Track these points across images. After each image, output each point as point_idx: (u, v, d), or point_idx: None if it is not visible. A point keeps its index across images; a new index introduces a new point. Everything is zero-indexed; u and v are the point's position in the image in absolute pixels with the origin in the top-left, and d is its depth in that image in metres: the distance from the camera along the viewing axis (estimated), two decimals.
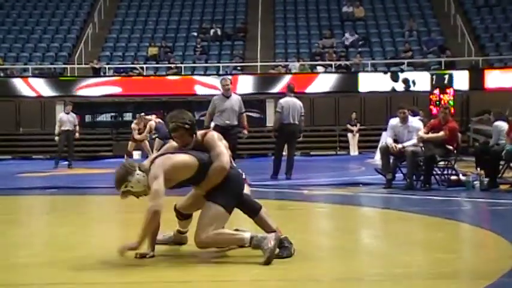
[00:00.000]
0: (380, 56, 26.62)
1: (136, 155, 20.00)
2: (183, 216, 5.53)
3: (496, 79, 24.22)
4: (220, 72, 25.55)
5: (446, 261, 5.11)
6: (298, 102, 13.20)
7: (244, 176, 5.47)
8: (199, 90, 24.37)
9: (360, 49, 26.52)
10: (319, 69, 25.64)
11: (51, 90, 24.77)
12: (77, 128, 17.95)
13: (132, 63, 26.49)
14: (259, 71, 25.59)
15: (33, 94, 24.72)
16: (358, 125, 23.71)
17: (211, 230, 5.02)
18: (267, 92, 24.42)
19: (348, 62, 26.02)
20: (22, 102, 24.77)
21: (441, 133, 10.94)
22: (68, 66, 26.35)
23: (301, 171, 14.05)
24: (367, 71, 25.24)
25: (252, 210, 5.33)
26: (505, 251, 5.53)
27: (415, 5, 29.38)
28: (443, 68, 24.37)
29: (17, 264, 5.06)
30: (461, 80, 23.29)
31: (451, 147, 11.03)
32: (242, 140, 12.08)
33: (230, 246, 5.32)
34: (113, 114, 25.06)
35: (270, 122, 20.33)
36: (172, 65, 26.06)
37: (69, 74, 25.86)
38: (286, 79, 23.26)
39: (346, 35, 27.23)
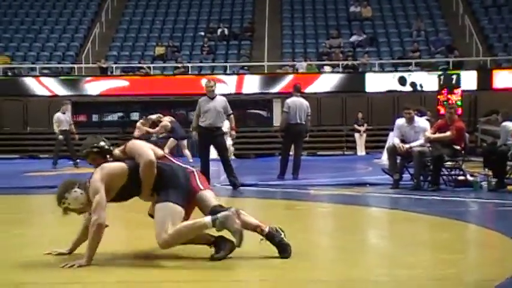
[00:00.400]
0: (387, 56, 26.57)
1: None
2: None
3: (504, 79, 24.17)
4: (228, 71, 25.57)
5: (452, 262, 5.09)
6: (305, 102, 13.20)
7: (196, 173, 5.38)
8: None
9: (367, 49, 26.50)
10: (326, 69, 25.62)
11: (58, 90, 24.86)
12: (73, 126, 17.99)
13: (139, 63, 26.53)
14: (266, 71, 25.59)
15: (40, 93, 24.81)
16: (366, 125, 23.66)
17: (170, 227, 5.00)
18: (274, 92, 24.42)
19: (355, 62, 25.99)
20: (29, 101, 24.86)
21: (448, 133, 10.91)
22: (75, 65, 26.44)
23: (308, 171, 14.03)
24: (374, 71, 25.20)
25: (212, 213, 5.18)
26: None
27: (423, 4, 29.32)
28: (451, 68, 24.33)
29: (22, 263, 5.07)
30: (469, 80, 23.27)
31: (458, 148, 11.00)
32: (249, 140, 12.09)
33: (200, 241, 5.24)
34: (119, 114, 25.11)
35: (277, 121, 20.30)
36: (180, 65, 26.08)
37: (76, 73, 25.94)
38: (294, 79, 23.24)
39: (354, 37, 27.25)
